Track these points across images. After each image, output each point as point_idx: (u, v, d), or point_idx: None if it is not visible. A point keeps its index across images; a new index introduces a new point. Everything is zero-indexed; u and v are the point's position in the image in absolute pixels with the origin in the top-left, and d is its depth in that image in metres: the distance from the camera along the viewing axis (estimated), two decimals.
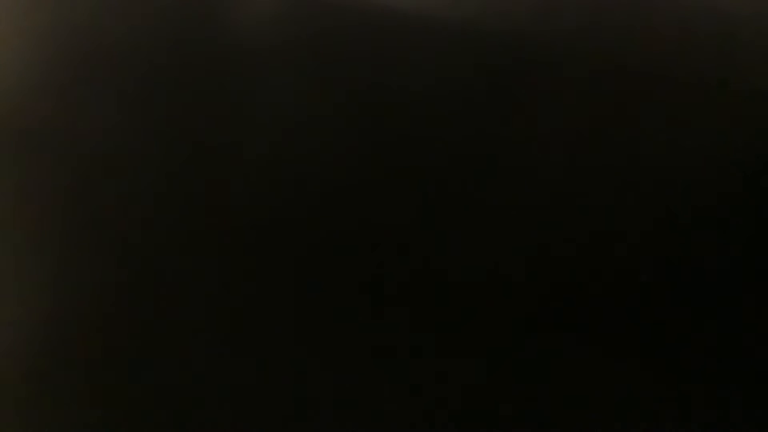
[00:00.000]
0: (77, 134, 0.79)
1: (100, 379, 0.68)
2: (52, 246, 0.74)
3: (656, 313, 0.69)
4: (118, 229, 0.74)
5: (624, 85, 0.77)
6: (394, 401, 0.66)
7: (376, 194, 0.75)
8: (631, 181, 0.74)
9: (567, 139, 0.76)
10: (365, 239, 0.73)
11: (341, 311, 0.70)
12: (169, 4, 0.86)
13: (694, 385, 0.66)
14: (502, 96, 0.79)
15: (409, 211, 0.74)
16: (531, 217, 0.73)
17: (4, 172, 0.78)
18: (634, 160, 0.75)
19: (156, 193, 0.76)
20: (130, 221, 0.75)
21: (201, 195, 0.76)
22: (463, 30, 0.81)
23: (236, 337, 0.69)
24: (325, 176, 0.76)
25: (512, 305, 0.69)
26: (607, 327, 0.68)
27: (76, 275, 0.72)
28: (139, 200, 0.76)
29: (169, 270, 0.72)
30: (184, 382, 0.67)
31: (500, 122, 0.77)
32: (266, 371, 0.67)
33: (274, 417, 0.66)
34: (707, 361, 0.67)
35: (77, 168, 0.78)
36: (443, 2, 0.82)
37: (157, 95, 0.81)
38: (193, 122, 0.80)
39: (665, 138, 0.75)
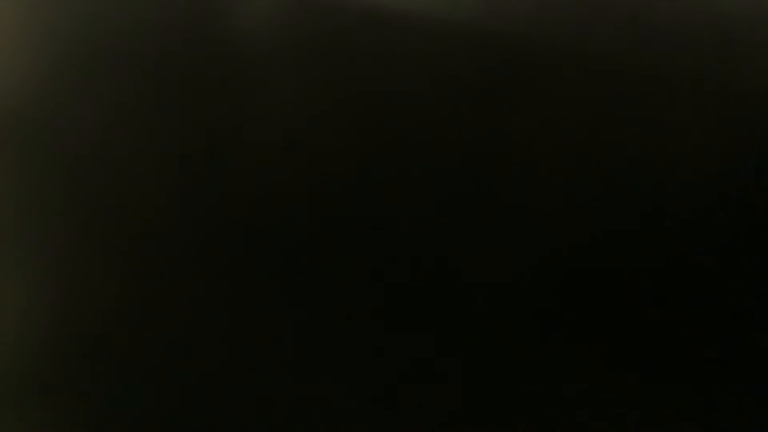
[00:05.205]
0: (78, 134, 0.79)
1: (101, 379, 0.68)
2: (53, 246, 0.74)
3: (658, 315, 0.69)
4: (119, 228, 0.74)
5: (624, 85, 0.77)
6: (394, 401, 0.66)
7: (376, 194, 0.75)
8: (631, 182, 0.74)
9: (567, 139, 0.76)
10: (365, 239, 0.73)
11: (341, 311, 0.70)
12: (169, 4, 0.86)
13: (694, 386, 0.66)
14: (502, 96, 0.79)
15: (408, 211, 0.74)
16: (531, 217, 0.73)
17: (4, 172, 0.78)
18: (634, 161, 0.75)
19: (157, 193, 0.76)
20: (132, 221, 0.75)
21: (202, 195, 0.76)
22: (463, 30, 0.81)
23: (237, 337, 0.69)
24: (324, 176, 0.76)
25: (511, 306, 0.69)
26: (608, 328, 0.68)
27: (76, 275, 0.72)
28: (140, 200, 0.76)
29: (170, 270, 0.72)
30: (185, 382, 0.67)
31: (500, 122, 0.77)
32: (267, 372, 0.68)
33: (275, 417, 0.66)
34: (707, 361, 0.67)
35: (78, 168, 0.78)
36: (443, 2, 0.82)
37: (158, 95, 0.81)
38: (194, 122, 0.80)
39: (665, 138, 0.75)
